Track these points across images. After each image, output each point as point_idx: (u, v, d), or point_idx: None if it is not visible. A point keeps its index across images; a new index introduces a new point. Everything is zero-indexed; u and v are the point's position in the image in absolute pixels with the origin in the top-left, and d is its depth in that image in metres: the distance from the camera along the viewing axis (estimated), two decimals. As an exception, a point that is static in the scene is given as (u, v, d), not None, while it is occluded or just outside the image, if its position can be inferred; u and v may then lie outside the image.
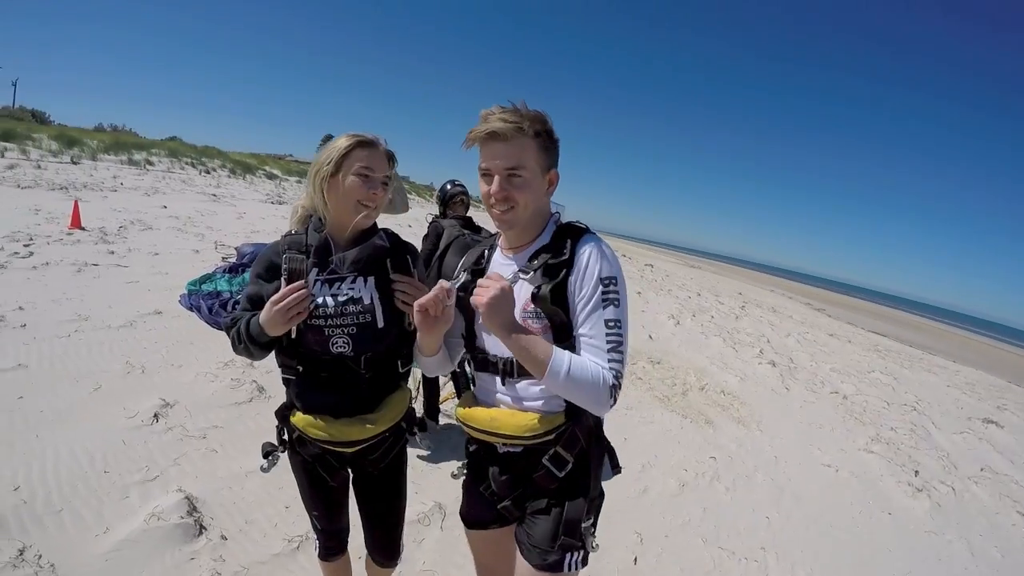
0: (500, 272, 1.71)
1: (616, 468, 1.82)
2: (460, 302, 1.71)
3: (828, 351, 13.31)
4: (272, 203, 20.07)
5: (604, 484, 1.81)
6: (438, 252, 4.05)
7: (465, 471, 2.03)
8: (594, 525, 1.74)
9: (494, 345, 1.71)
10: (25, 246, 7.44)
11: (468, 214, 4.49)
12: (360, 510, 2.15)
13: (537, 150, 1.59)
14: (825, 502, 4.85)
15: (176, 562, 2.66)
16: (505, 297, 1.55)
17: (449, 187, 4.51)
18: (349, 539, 2.25)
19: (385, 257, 1.88)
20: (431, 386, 4.55)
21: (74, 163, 19.02)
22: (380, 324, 1.82)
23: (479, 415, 1.74)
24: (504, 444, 1.73)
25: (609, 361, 1.52)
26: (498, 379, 1.72)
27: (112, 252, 8.10)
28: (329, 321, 1.77)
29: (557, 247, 1.61)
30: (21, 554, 2.51)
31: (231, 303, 2.38)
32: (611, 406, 1.53)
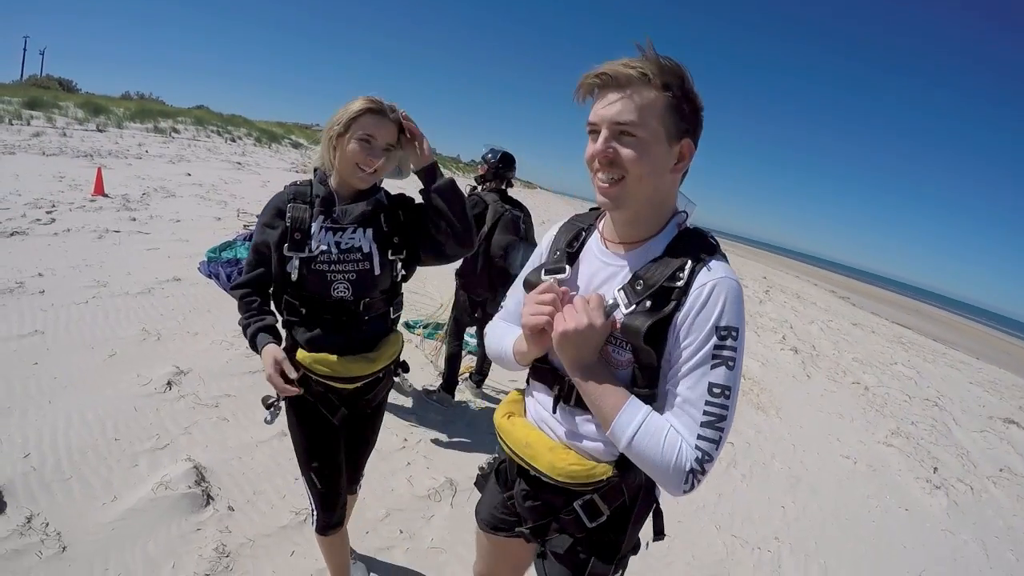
0: (595, 270, 1.39)
1: (659, 535, 1.52)
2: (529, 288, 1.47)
3: (851, 340, 13.15)
4: (297, 172, 20.01)
5: None
6: (487, 229, 4.07)
7: (493, 467, 1.73)
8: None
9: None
10: (47, 213, 7.47)
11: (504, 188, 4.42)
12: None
13: (664, 108, 1.18)
14: (842, 494, 4.78)
15: (182, 532, 2.65)
16: (591, 335, 1.23)
17: (509, 158, 4.33)
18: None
19: (381, 212, 2.01)
20: (453, 361, 4.53)
21: (100, 131, 19.10)
22: (377, 271, 1.98)
23: (516, 433, 1.47)
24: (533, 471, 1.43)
25: (699, 438, 1.16)
26: (551, 400, 1.42)
27: (134, 219, 8.12)
28: (332, 267, 1.92)
29: (672, 266, 1.22)
30: (28, 522, 2.50)
31: None
32: (686, 492, 1.17)
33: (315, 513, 2.15)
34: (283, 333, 2.04)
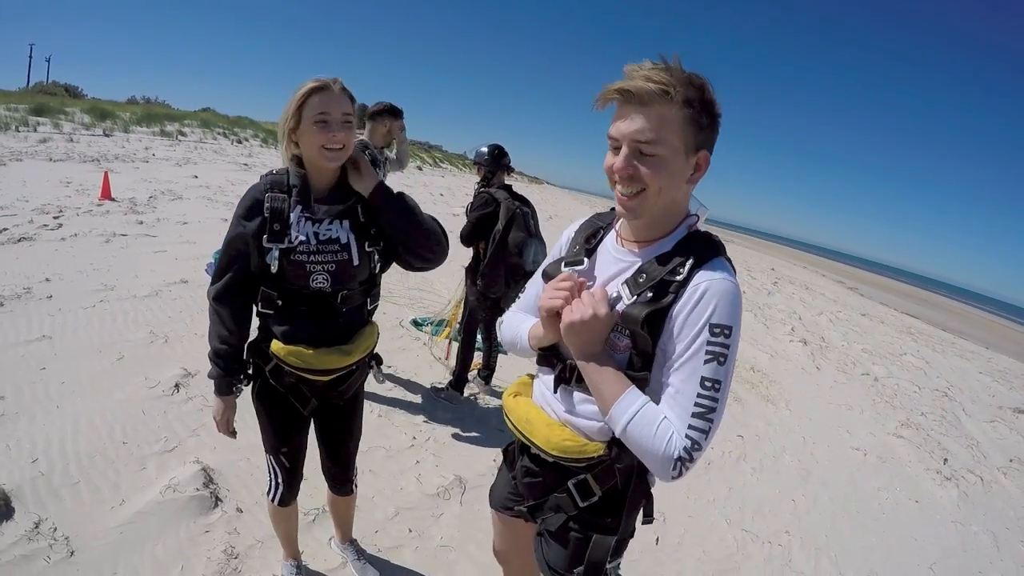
0: (608, 265, 1.46)
1: (648, 518, 1.57)
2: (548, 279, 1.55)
3: (860, 331, 13.09)
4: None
5: None
6: (501, 227, 4.09)
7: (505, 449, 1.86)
8: (619, 566, 1.59)
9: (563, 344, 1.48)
10: (55, 218, 7.51)
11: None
12: (320, 437, 2.31)
13: (684, 123, 1.22)
14: (852, 487, 4.76)
15: (190, 534, 2.65)
16: (595, 323, 1.31)
17: (499, 151, 4.42)
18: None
19: (359, 203, 1.97)
20: (464, 358, 4.54)
21: (106, 135, 19.21)
22: (355, 262, 1.94)
23: (520, 410, 1.57)
24: (533, 448, 1.53)
25: (690, 428, 1.22)
26: (552, 379, 1.51)
27: (141, 222, 8.15)
28: (311, 257, 1.87)
29: (674, 262, 1.30)
30: (36, 527, 2.51)
31: None
32: (674, 479, 1.25)
33: (279, 488, 2.22)
34: (255, 322, 2.03)
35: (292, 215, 1.86)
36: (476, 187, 4.48)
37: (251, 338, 2.03)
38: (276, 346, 1.93)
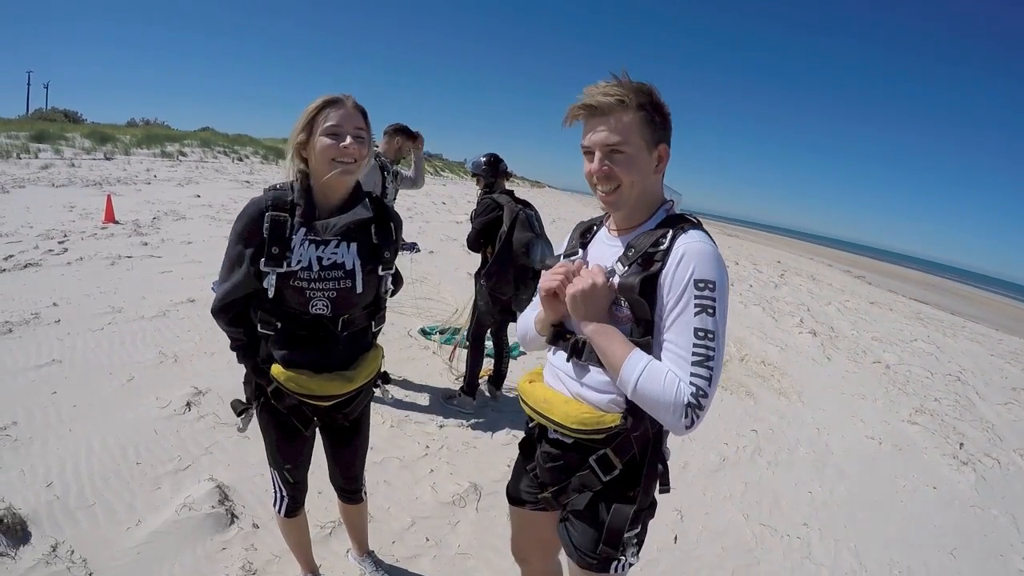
0: (601, 252, 1.63)
1: (664, 487, 1.67)
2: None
3: (869, 319, 13.02)
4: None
5: None
6: (505, 229, 4.17)
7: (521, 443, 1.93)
8: (640, 536, 1.63)
9: (571, 320, 1.62)
10: (59, 243, 7.54)
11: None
12: (328, 451, 2.31)
13: (641, 124, 1.45)
14: (869, 476, 4.73)
15: (208, 552, 2.65)
16: (595, 292, 1.47)
17: (495, 159, 4.53)
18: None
19: (369, 224, 1.95)
20: (474, 364, 4.56)
21: (107, 159, 19.32)
22: (359, 289, 1.91)
23: (536, 393, 1.68)
24: (554, 429, 1.63)
25: (692, 375, 1.35)
26: (565, 356, 1.63)
27: (145, 244, 8.18)
28: (312, 284, 1.83)
29: (656, 235, 1.47)
30: (54, 550, 2.51)
31: None
32: (688, 428, 1.36)
33: (284, 500, 2.21)
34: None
35: (295, 237, 1.81)
36: (479, 195, 4.52)
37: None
38: (276, 370, 1.90)
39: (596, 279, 1.47)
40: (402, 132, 4.44)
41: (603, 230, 1.70)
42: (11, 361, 4.11)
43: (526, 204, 4.39)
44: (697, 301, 1.37)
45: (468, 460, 3.85)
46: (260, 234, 1.78)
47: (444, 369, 5.31)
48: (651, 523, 1.66)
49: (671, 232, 1.45)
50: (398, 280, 2.13)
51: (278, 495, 2.21)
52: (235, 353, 1.97)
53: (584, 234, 1.75)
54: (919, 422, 6.18)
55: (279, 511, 2.23)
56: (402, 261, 2.14)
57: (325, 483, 2.41)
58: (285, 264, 1.78)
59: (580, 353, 1.57)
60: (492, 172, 4.51)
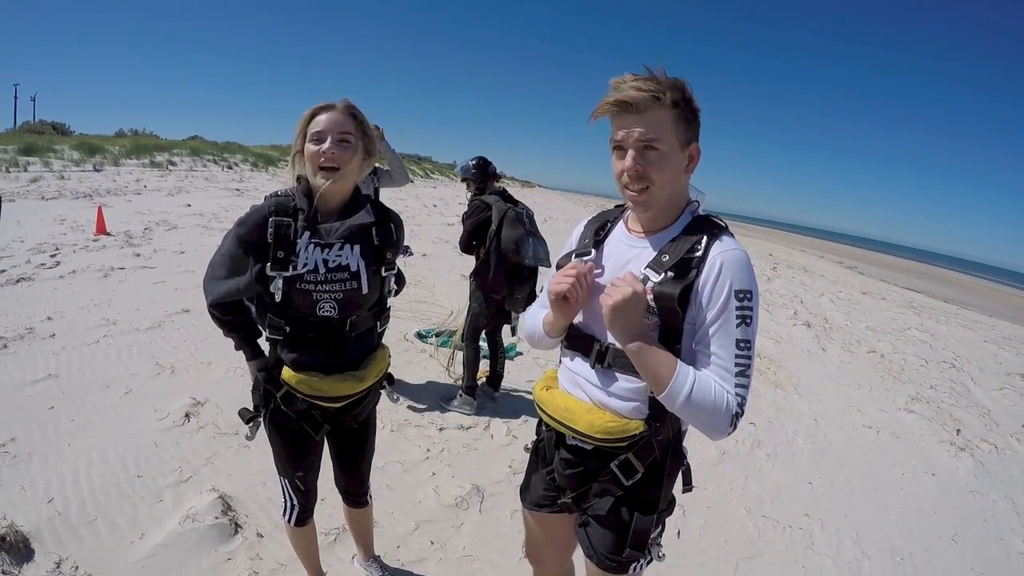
0: (621, 252, 1.58)
1: (688, 486, 1.70)
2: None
3: (863, 309, 13.11)
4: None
5: None
6: (494, 228, 4.18)
7: (532, 447, 1.91)
8: (661, 535, 1.66)
9: (594, 324, 1.59)
10: (51, 256, 7.50)
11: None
12: (333, 455, 2.30)
13: (675, 121, 1.40)
14: (867, 465, 4.76)
15: (212, 564, 2.65)
16: (635, 302, 1.39)
17: (483, 162, 4.58)
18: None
19: (371, 227, 1.95)
20: (472, 365, 4.56)
21: (97, 170, 19.20)
22: (364, 290, 1.92)
23: (555, 400, 1.64)
24: (574, 437, 1.61)
25: (736, 385, 1.37)
26: (589, 363, 1.59)
27: (138, 255, 8.15)
28: (318, 286, 1.84)
29: (690, 242, 1.44)
30: (58, 567, 2.50)
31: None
32: (728, 434, 1.40)
33: (295, 509, 2.20)
34: (267, 348, 2.02)
35: (299, 241, 1.82)
36: (469, 199, 4.56)
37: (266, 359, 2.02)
38: (287, 374, 1.91)
39: (636, 287, 1.40)
40: None
41: (619, 228, 1.65)
42: (7, 377, 4.09)
43: (516, 202, 4.40)
44: (738, 312, 1.37)
45: (469, 462, 3.85)
46: (264, 239, 1.79)
47: (442, 371, 5.31)
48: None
49: (705, 239, 1.43)
50: (400, 280, 2.14)
51: (288, 504, 2.20)
52: (241, 351, 2.01)
53: (598, 231, 1.68)
54: (915, 410, 6.22)
55: (289, 520, 2.22)
56: (398, 263, 2.14)
57: (328, 490, 2.41)
58: (291, 268, 1.80)
59: (604, 360, 1.54)
60: (481, 176, 4.55)
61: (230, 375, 4.55)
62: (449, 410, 4.53)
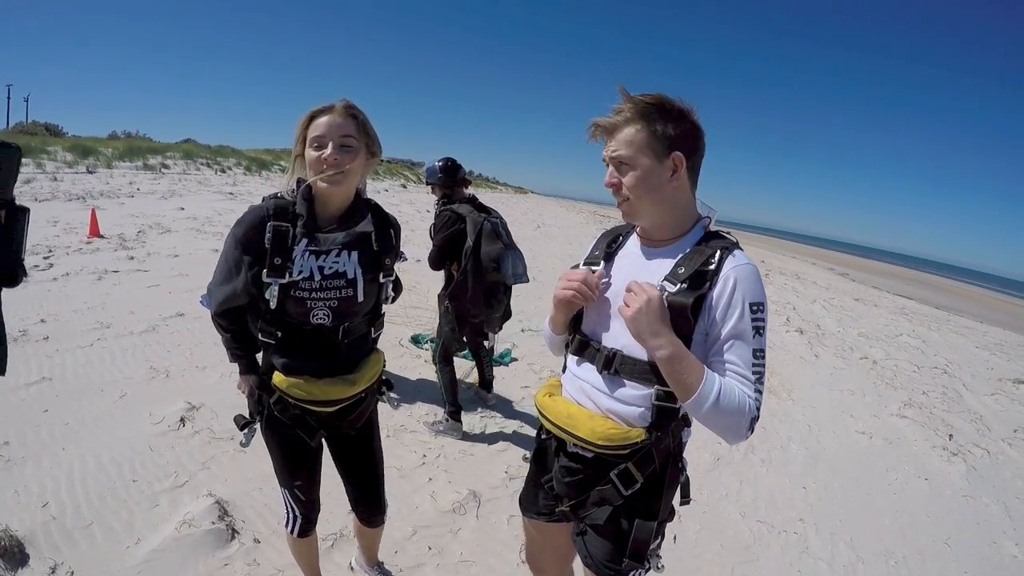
0: (633, 264, 1.63)
1: (685, 499, 1.75)
2: None
3: (855, 316, 13.16)
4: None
5: None
6: (471, 243, 3.80)
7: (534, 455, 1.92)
8: (660, 545, 1.68)
9: (602, 332, 1.63)
10: (45, 259, 7.46)
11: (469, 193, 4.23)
12: (341, 471, 2.26)
13: (645, 137, 1.48)
14: (861, 470, 4.78)
15: (210, 569, 2.64)
16: (653, 308, 1.44)
17: (452, 164, 4.14)
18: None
19: (370, 234, 1.95)
20: (451, 388, 4.24)
21: (90, 172, 19.11)
22: (360, 298, 1.90)
23: (558, 407, 1.66)
24: (575, 444, 1.63)
25: (755, 391, 1.44)
26: (595, 369, 1.61)
27: (132, 258, 8.12)
28: (313, 294, 1.82)
29: (704, 255, 1.50)
30: (53, 572, 2.48)
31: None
32: (747, 438, 1.46)
33: (297, 520, 2.18)
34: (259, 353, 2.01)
35: (296, 248, 1.79)
36: (436, 207, 4.16)
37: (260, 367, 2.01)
38: (278, 378, 1.89)
39: (651, 293, 1.45)
40: None
41: (632, 241, 1.70)
42: (0, 380, 4.05)
43: (489, 212, 4.03)
44: (753, 324, 1.45)
45: (465, 468, 3.85)
46: (261, 243, 1.77)
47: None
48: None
49: (719, 253, 1.49)
50: (398, 287, 2.12)
51: (290, 515, 2.17)
52: (236, 364, 2.00)
53: (611, 244, 1.74)
54: (908, 415, 6.25)
55: (291, 531, 2.20)
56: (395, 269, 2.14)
57: (325, 494, 2.39)
58: (287, 275, 1.77)
59: (612, 366, 1.57)
60: (450, 180, 4.12)
61: (225, 379, 4.54)
62: (439, 431, 4.26)
